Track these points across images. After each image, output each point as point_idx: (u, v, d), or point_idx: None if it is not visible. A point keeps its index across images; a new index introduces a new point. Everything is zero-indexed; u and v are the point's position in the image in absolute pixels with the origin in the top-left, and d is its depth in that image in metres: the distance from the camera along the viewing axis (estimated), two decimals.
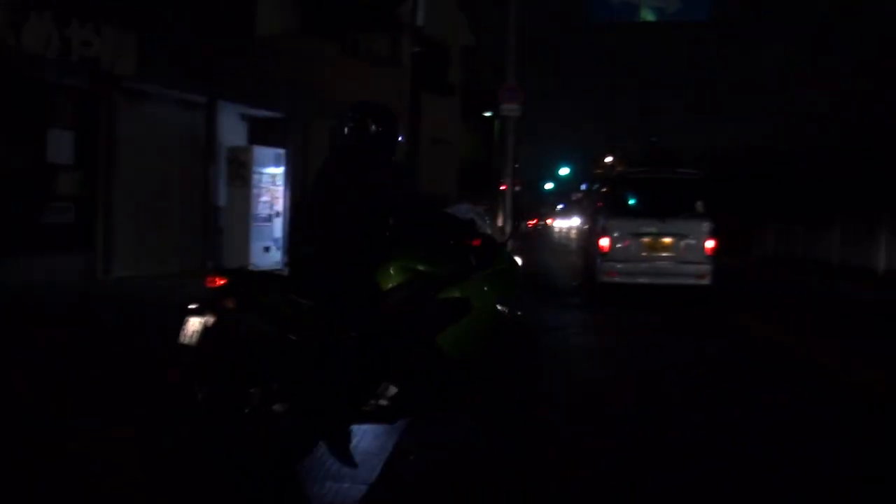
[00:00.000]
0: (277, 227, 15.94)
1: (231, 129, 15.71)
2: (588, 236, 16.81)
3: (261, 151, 15.53)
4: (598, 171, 75.50)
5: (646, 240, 12.96)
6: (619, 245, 13.04)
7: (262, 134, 16.26)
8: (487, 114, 29.83)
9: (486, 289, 4.97)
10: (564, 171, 79.06)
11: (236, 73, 14.69)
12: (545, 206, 78.09)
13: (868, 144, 30.06)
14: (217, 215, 15.12)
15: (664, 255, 12.96)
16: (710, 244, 12.66)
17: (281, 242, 16.01)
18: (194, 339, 4.32)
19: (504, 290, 5.13)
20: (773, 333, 10.98)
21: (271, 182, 15.75)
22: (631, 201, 14.10)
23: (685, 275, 12.83)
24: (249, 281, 4.80)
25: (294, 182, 16.36)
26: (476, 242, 4.88)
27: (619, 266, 13.06)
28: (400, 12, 20.13)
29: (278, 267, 15.87)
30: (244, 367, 4.43)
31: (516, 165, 20.44)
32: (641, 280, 13.09)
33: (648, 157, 54.50)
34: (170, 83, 13.64)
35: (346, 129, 4.76)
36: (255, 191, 15.37)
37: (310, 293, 4.54)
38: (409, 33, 19.47)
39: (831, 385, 7.77)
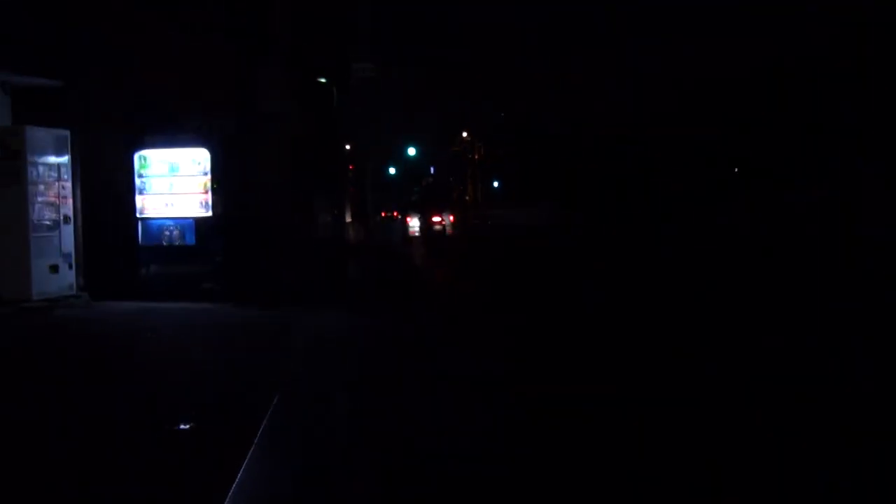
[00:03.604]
0: (67, 238, 11.90)
1: None
2: (403, 219, 41.11)
3: (37, 134, 11.42)
4: (456, 148, 69.00)
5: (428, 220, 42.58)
6: (416, 222, 41.97)
7: (30, 112, 12.03)
8: (322, 80, 24.54)
9: None
10: (412, 151, 66.47)
11: None
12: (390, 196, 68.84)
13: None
14: None
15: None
16: (450, 220, 42.66)
17: (73, 257, 11.94)
18: None
19: None
20: None
21: (54, 176, 11.66)
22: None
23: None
24: None
25: (84, 174, 12.29)
26: None
27: (415, 228, 41.38)
28: None
29: (72, 293, 11.82)
30: None
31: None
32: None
33: (515, 129, 51.40)
34: None
35: None
36: (31, 188, 11.27)
37: None
38: None
39: None
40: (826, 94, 26.02)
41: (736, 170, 28.55)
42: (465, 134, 65.68)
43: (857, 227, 19.15)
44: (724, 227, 23.32)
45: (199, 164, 12.98)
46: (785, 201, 22.25)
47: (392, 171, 71.52)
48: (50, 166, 11.60)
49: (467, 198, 68.32)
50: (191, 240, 12.99)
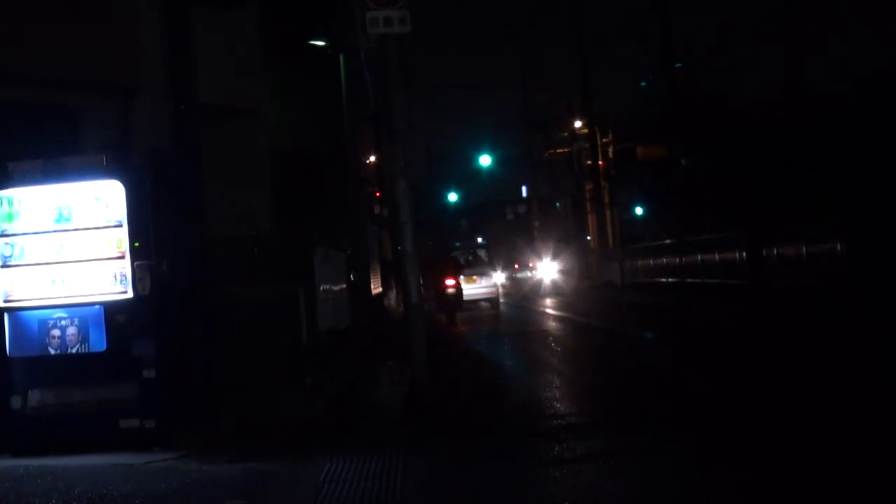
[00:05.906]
0: None
1: None
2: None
3: None
4: (559, 150, 43.75)
5: (466, 279, 26.13)
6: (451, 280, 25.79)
7: None
8: (318, 42, 15.32)
9: None
10: (486, 160, 42.76)
11: None
12: (451, 243, 37.99)
13: None
14: None
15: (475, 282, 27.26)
16: (496, 279, 28.53)
17: None
18: None
19: None
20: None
21: None
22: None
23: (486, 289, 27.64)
24: None
25: None
26: None
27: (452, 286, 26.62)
28: None
29: None
30: None
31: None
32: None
33: (664, 105, 28.42)
34: None
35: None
36: None
37: None
38: None
39: None
40: None
41: None
42: (578, 124, 40.11)
43: None
44: None
45: (107, 206, 7.56)
46: None
47: (453, 197, 45.69)
48: None
49: (588, 237, 42.29)
50: (98, 342, 7.60)
